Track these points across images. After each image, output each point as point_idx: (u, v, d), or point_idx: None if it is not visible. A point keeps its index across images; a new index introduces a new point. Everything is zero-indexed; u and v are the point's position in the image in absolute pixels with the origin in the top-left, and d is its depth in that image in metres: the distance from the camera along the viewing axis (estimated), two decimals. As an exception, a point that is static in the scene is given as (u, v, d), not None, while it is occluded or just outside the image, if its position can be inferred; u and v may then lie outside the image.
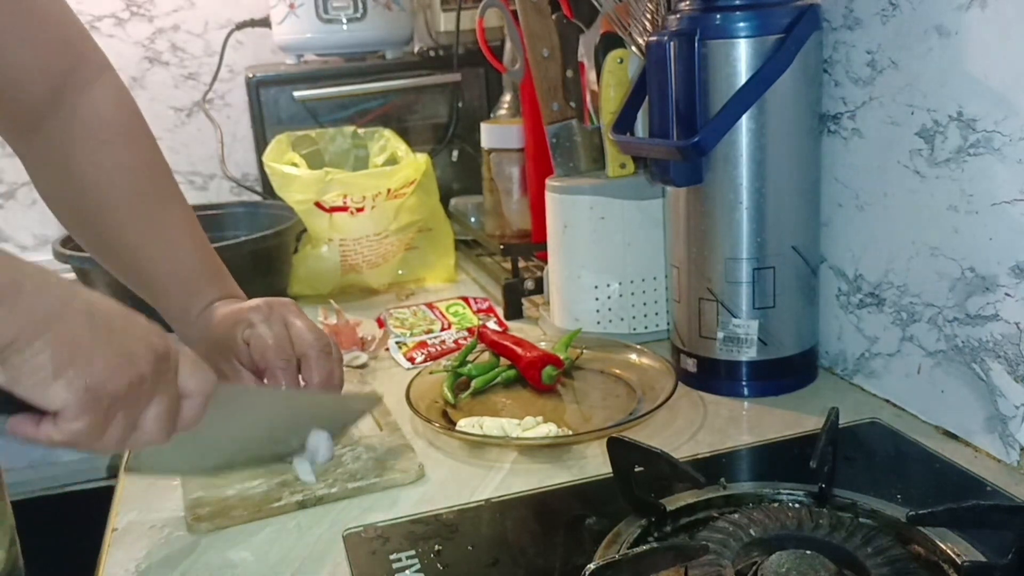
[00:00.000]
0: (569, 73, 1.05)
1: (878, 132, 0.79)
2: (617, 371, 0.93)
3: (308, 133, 1.36)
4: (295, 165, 1.22)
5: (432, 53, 1.59)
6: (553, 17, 1.04)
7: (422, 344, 1.04)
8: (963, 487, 0.68)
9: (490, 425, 0.79)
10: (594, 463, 0.75)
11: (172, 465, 0.70)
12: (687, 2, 0.83)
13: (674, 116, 0.82)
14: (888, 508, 0.61)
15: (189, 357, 0.58)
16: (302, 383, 0.76)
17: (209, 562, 0.65)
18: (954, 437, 0.76)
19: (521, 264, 1.19)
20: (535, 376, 0.89)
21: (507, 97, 1.33)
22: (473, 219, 1.45)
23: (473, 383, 0.90)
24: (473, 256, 1.39)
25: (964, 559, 0.55)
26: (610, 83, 0.97)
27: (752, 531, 0.58)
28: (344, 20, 1.52)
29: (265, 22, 1.63)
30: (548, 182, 1.02)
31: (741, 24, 0.79)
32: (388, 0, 1.54)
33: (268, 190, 1.32)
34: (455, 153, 1.60)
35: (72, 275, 1.13)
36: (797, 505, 0.63)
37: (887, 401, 0.83)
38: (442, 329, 1.09)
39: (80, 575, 0.79)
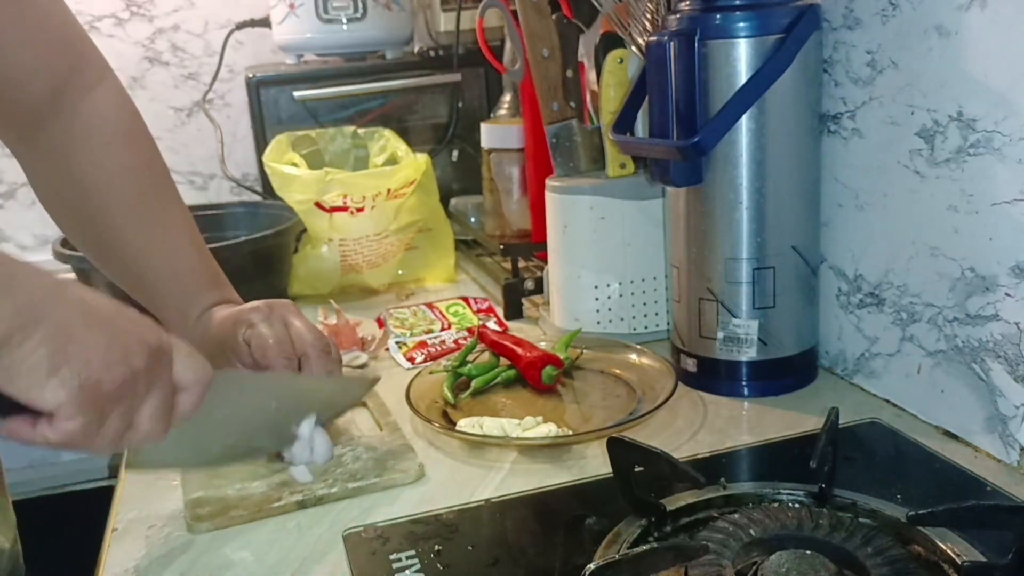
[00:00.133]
0: (569, 73, 1.05)
1: (878, 132, 0.79)
2: (617, 371, 0.93)
3: (308, 133, 1.36)
4: (295, 165, 1.22)
5: (432, 53, 1.59)
6: (553, 17, 1.04)
7: (422, 344, 1.04)
8: (963, 487, 0.68)
9: (490, 425, 0.79)
10: (594, 463, 0.75)
11: (173, 458, 0.70)
12: (687, 2, 0.83)
13: (674, 116, 0.82)
14: (888, 508, 0.61)
15: (183, 348, 0.57)
16: None
17: (209, 562, 0.66)
18: (954, 437, 0.76)
19: (521, 264, 1.19)
20: (535, 376, 0.89)
21: (507, 97, 1.33)
22: (473, 219, 1.45)
23: (473, 383, 0.90)
24: (473, 256, 1.39)
25: (964, 559, 0.55)
26: (610, 83, 0.97)
27: (752, 531, 0.58)
28: (344, 20, 1.52)
29: (265, 22, 1.63)
30: (548, 182, 1.02)
31: (741, 24, 0.79)
32: (388, 0, 1.54)
33: (268, 190, 1.32)
34: (455, 153, 1.60)
35: (72, 275, 1.13)
36: (797, 505, 0.63)
37: (887, 401, 0.83)
38: (442, 329, 1.09)
39: (81, 575, 0.79)
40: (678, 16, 0.83)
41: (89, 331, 0.50)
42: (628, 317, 1.00)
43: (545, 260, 1.08)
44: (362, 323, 1.10)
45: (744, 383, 0.87)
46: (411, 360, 1.01)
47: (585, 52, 1.09)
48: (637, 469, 0.63)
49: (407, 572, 0.61)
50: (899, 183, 0.78)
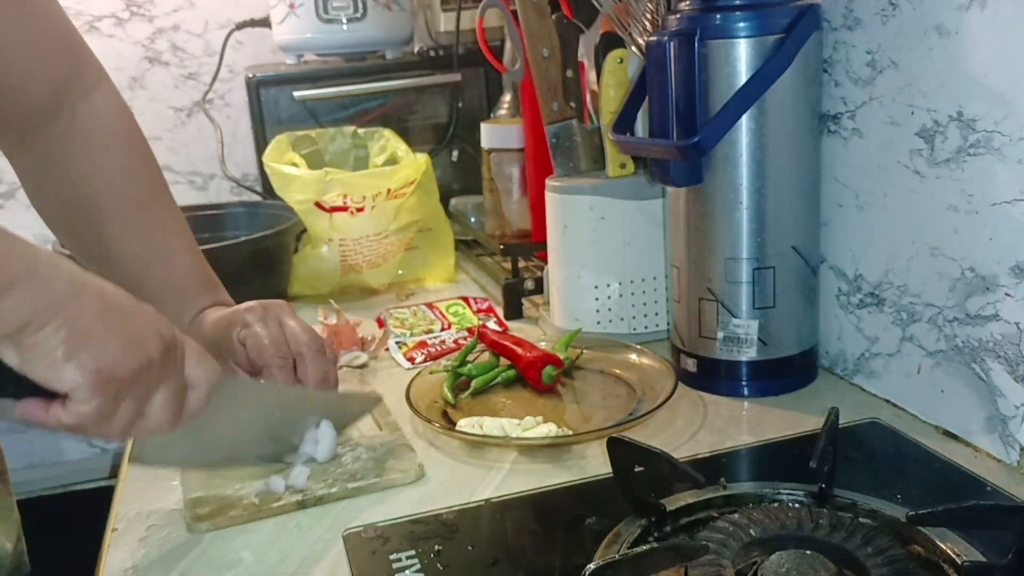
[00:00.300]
0: (569, 73, 1.05)
1: (878, 132, 0.79)
2: (617, 371, 0.93)
3: (308, 133, 1.36)
4: (295, 165, 1.22)
5: (432, 53, 1.59)
6: (553, 17, 1.04)
7: (422, 344, 1.04)
8: (963, 487, 0.68)
9: (490, 425, 0.79)
10: (594, 463, 0.75)
11: (176, 457, 0.70)
12: (687, 2, 0.83)
13: (674, 116, 0.82)
14: (888, 508, 0.61)
15: (195, 348, 0.59)
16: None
17: (209, 562, 0.65)
18: (954, 437, 0.76)
19: (521, 264, 1.19)
20: (535, 376, 0.89)
21: (507, 97, 1.33)
22: (473, 219, 1.45)
23: (473, 383, 0.90)
24: (473, 256, 1.39)
25: (964, 559, 0.55)
26: (610, 83, 0.97)
27: (752, 531, 0.58)
28: (344, 20, 1.52)
29: (265, 22, 1.63)
30: (548, 182, 1.02)
31: (741, 24, 0.79)
32: (388, 0, 1.54)
33: (268, 190, 1.32)
34: (455, 153, 1.60)
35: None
36: (797, 505, 0.63)
37: (887, 401, 0.83)
38: (442, 329, 1.09)
39: (82, 574, 0.80)
40: (678, 16, 0.83)
41: (107, 318, 0.51)
42: (628, 317, 1.00)
43: (545, 260, 1.08)
44: (362, 323, 1.10)
45: (744, 383, 0.87)
46: (411, 360, 1.01)
47: (585, 52, 1.09)
48: (637, 469, 0.63)
49: (407, 572, 0.61)
50: (899, 183, 0.78)
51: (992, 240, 0.70)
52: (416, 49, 1.62)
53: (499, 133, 1.27)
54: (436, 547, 0.63)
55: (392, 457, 0.77)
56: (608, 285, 0.99)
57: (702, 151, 0.81)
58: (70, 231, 0.81)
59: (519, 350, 0.92)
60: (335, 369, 0.79)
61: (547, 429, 0.79)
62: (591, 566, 0.52)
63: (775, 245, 0.83)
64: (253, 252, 1.19)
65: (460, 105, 1.59)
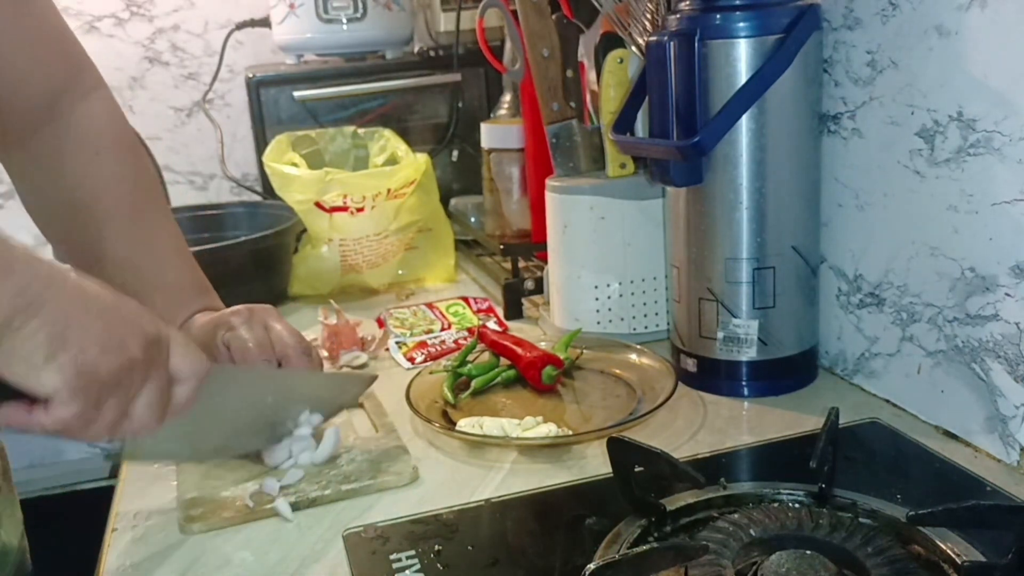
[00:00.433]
0: (569, 73, 1.05)
1: (878, 132, 0.79)
2: (617, 371, 0.93)
3: (308, 133, 1.36)
4: (295, 165, 1.22)
5: (432, 53, 1.59)
6: (553, 17, 1.04)
7: (422, 344, 1.04)
8: (963, 487, 0.68)
9: (490, 425, 0.79)
10: (594, 463, 0.75)
11: (169, 451, 0.70)
12: (687, 2, 0.83)
13: (674, 116, 0.82)
14: (888, 508, 0.61)
15: (181, 340, 0.58)
16: None
17: (208, 562, 0.65)
18: (954, 437, 0.76)
19: (521, 264, 1.19)
20: (535, 376, 0.89)
21: (507, 97, 1.33)
22: (473, 219, 1.45)
23: (473, 383, 0.90)
24: (473, 256, 1.39)
25: (964, 559, 0.55)
26: (610, 83, 0.97)
27: (752, 531, 0.58)
28: (344, 20, 1.52)
29: (265, 22, 1.63)
30: (548, 182, 1.02)
31: (741, 24, 0.79)
32: (388, 0, 1.54)
33: (268, 190, 1.32)
34: (455, 153, 1.60)
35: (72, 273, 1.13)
36: (797, 505, 0.63)
37: (887, 401, 0.83)
38: (442, 329, 1.09)
39: (83, 574, 0.80)
40: (678, 16, 0.83)
41: (87, 318, 0.50)
42: (628, 317, 1.00)
43: (545, 260, 1.08)
44: (362, 323, 1.10)
45: (744, 383, 0.86)
46: (411, 360, 1.01)
47: (585, 52, 1.09)
48: (637, 469, 0.63)
49: (407, 572, 0.61)
50: (899, 183, 0.78)
51: (992, 240, 0.70)
52: (416, 49, 1.62)
53: (499, 133, 1.27)
54: (436, 547, 0.63)
55: (387, 459, 0.77)
56: (608, 285, 0.99)
57: (702, 151, 0.81)
58: (62, 234, 0.81)
59: (519, 350, 0.92)
60: (321, 371, 0.80)
61: (547, 429, 0.79)
62: (591, 566, 0.52)
63: (775, 245, 0.83)
64: (253, 252, 1.19)
65: (460, 105, 1.59)
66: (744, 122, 0.80)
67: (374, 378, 0.84)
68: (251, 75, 1.53)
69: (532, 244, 1.19)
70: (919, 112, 0.74)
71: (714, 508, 0.64)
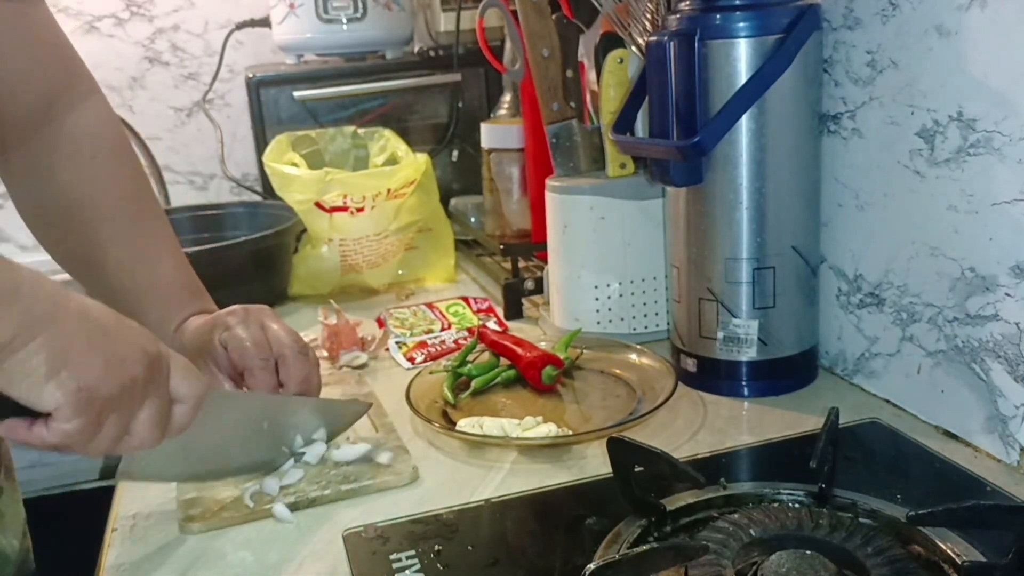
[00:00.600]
0: (569, 73, 1.05)
1: (878, 132, 0.79)
2: (617, 371, 0.93)
3: (308, 133, 1.36)
4: (295, 165, 1.22)
5: (432, 53, 1.59)
6: (553, 17, 1.04)
7: (422, 344, 1.04)
8: (963, 487, 0.68)
9: (490, 425, 0.79)
10: (594, 463, 0.75)
11: (163, 471, 0.71)
12: (687, 2, 0.83)
13: (674, 116, 0.82)
14: (888, 508, 0.61)
15: (180, 362, 0.59)
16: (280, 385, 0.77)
17: (208, 562, 0.65)
18: (954, 437, 0.76)
19: (521, 264, 1.19)
20: (535, 376, 0.89)
21: (507, 97, 1.33)
22: (473, 219, 1.45)
23: (473, 383, 0.90)
24: (473, 256, 1.39)
25: (964, 559, 0.55)
26: (610, 83, 0.97)
27: (752, 531, 0.58)
28: (344, 20, 1.52)
29: (265, 22, 1.63)
30: (548, 182, 1.02)
31: (741, 24, 0.79)
32: (388, 0, 1.54)
33: (268, 190, 1.32)
34: (455, 153, 1.60)
35: (69, 276, 1.13)
36: (797, 505, 0.63)
37: (887, 401, 0.83)
38: (442, 329, 1.09)
39: (84, 573, 0.80)
40: (678, 16, 0.83)
41: (89, 338, 0.51)
42: (628, 317, 1.00)
43: (545, 260, 1.08)
44: (362, 323, 1.10)
45: (744, 383, 0.86)
46: (411, 360, 1.01)
47: (585, 52, 1.09)
48: (637, 469, 0.63)
49: (407, 572, 0.61)
50: (899, 183, 0.78)
51: (992, 240, 0.70)
52: (416, 49, 1.63)
53: (499, 133, 1.27)
54: (436, 547, 0.63)
55: (386, 459, 0.77)
56: (608, 285, 0.99)
57: (702, 151, 0.81)
58: (55, 239, 0.82)
59: (519, 350, 0.92)
60: (317, 372, 0.80)
61: (547, 429, 0.79)
62: (591, 566, 0.52)
63: (775, 245, 0.83)
64: (253, 252, 1.19)
65: (460, 105, 1.59)
66: (744, 122, 0.80)
67: (369, 405, 0.85)
68: (251, 75, 1.53)
69: (532, 244, 1.19)
70: (919, 112, 0.74)
71: (714, 508, 0.64)
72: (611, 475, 0.64)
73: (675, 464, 0.62)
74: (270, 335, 0.77)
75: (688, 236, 0.86)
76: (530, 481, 0.73)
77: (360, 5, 1.52)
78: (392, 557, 0.62)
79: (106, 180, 0.79)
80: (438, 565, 0.61)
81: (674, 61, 0.81)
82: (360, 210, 1.20)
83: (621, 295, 0.99)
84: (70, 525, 1.15)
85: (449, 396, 0.88)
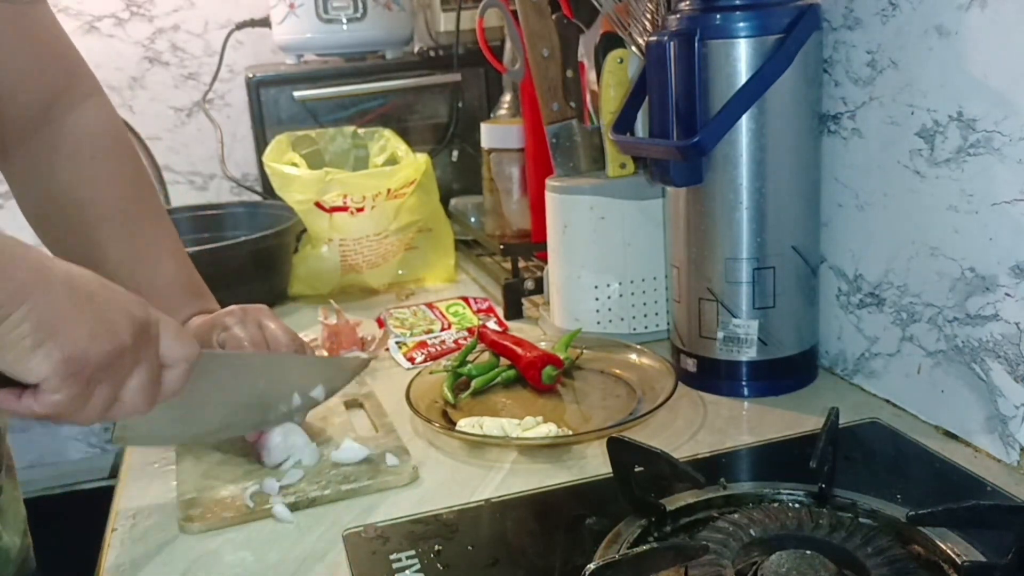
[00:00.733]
0: (569, 73, 1.05)
1: (878, 132, 0.79)
2: (617, 371, 0.93)
3: (308, 133, 1.36)
4: (295, 165, 1.22)
5: (432, 53, 1.59)
6: (553, 17, 1.04)
7: (422, 344, 1.04)
8: (963, 487, 0.68)
9: (490, 425, 0.79)
10: (594, 463, 0.75)
11: (160, 435, 0.70)
12: (687, 2, 0.83)
13: (674, 116, 0.82)
14: (888, 508, 0.61)
15: (171, 326, 0.58)
16: None
17: (208, 562, 0.65)
18: (954, 437, 0.76)
19: (521, 264, 1.19)
20: (535, 376, 0.89)
21: (507, 97, 1.33)
22: (473, 219, 1.45)
23: (473, 383, 0.90)
24: (473, 256, 1.39)
25: (964, 559, 0.55)
26: (610, 83, 0.97)
27: (752, 531, 0.58)
28: (344, 20, 1.52)
29: (265, 22, 1.63)
30: (548, 182, 1.02)
31: (741, 24, 0.79)
32: (388, 0, 1.54)
33: (268, 190, 1.32)
34: (455, 153, 1.60)
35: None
36: (797, 505, 0.63)
37: (887, 401, 0.83)
38: (442, 329, 1.09)
39: (84, 573, 0.80)
40: (678, 16, 0.83)
41: (75, 306, 0.51)
42: (628, 317, 1.00)
43: (545, 260, 1.08)
44: (362, 323, 1.10)
45: (744, 383, 0.86)
46: (411, 360, 1.01)
47: (585, 52, 1.09)
48: (637, 469, 0.63)
49: (407, 572, 0.61)
50: (899, 183, 0.78)
51: (992, 240, 0.70)
52: (416, 49, 1.62)
53: (499, 133, 1.27)
54: (436, 547, 0.63)
55: (387, 459, 0.77)
56: (608, 285, 0.99)
57: (702, 151, 0.81)
58: (56, 238, 0.82)
59: (519, 350, 0.92)
60: None
61: (547, 429, 0.79)
62: (591, 566, 0.52)
63: (775, 245, 0.83)
64: (253, 252, 1.19)
65: (460, 105, 1.59)
66: (744, 122, 0.80)
67: (367, 362, 0.85)
68: (251, 75, 1.53)
69: (532, 244, 1.19)
70: (919, 112, 0.74)
71: (714, 508, 0.64)
72: (611, 475, 0.64)
73: (675, 464, 0.62)
74: (268, 334, 0.77)
75: (688, 236, 0.86)
76: (530, 481, 0.73)
77: (360, 5, 1.52)
78: (392, 557, 0.62)
79: (106, 180, 0.79)
80: (438, 565, 0.61)
81: (674, 61, 0.81)
82: (360, 210, 1.20)
83: (621, 295, 0.99)
84: (70, 525, 1.15)
85: (449, 396, 0.88)
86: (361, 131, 1.38)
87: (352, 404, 0.89)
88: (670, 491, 0.65)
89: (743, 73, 0.80)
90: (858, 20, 0.80)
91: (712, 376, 0.88)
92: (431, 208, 1.30)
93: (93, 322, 0.51)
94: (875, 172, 0.80)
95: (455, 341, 1.05)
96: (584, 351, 0.96)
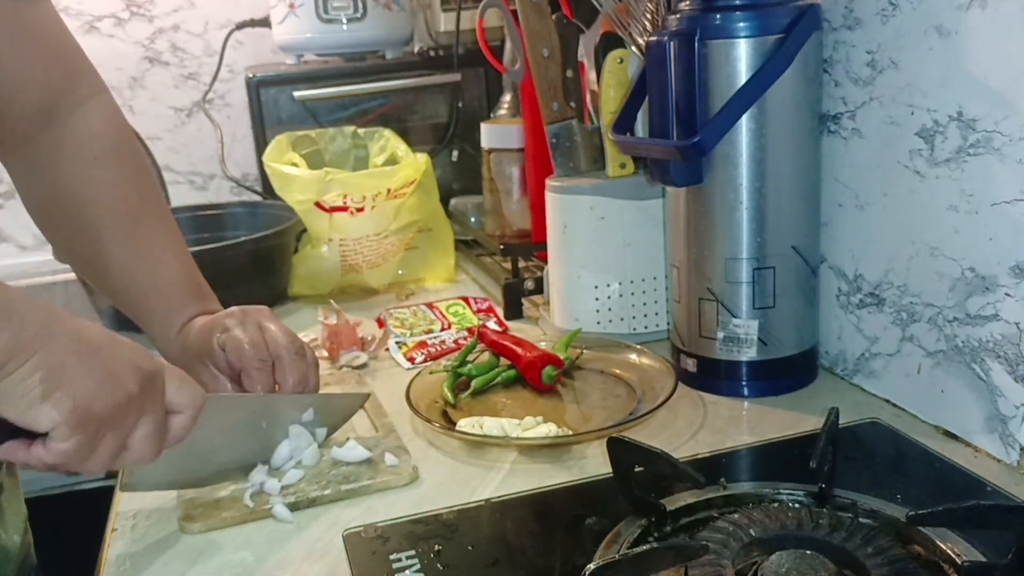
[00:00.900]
0: (569, 73, 1.05)
1: (878, 132, 0.79)
2: (617, 371, 0.93)
3: (308, 133, 1.36)
4: (295, 165, 1.22)
5: (432, 53, 1.59)
6: (553, 17, 1.04)
7: (422, 344, 1.04)
8: (963, 487, 0.68)
9: (490, 425, 0.79)
10: (594, 463, 0.75)
11: (166, 479, 0.71)
12: (687, 2, 0.83)
13: (674, 116, 0.82)
14: (888, 508, 0.61)
15: (176, 374, 0.60)
16: (277, 385, 0.77)
17: (208, 562, 0.66)
18: (954, 437, 0.76)
19: (521, 264, 1.19)
20: (535, 376, 0.89)
21: (507, 97, 1.33)
22: (473, 219, 1.45)
23: (473, 383, 0.90)
24: (473, 256, 1.39)
25: (964, 559, 0.55)
26: (610, 83, 0.97)
27: (752, 531, 0.58)
28: (344, 20, 1.52)
29: (265, 22, 1.63)
30: (548, 182, 1.02)
31: (741, 24, 0.79)
32: (388, 0, 1.54)
33: (268, 190, 1.32)
34: (455, 153, 1.60)
35: (72, 275, 1.13)
36: (797, 505, 0.63)
37: (887, 401, 0.83)
38: (442, 329, 1.09)
39: (83, 574, 0.80)
40: (678, 16, 0.83)
41: (82, 357, 0.52)
42: (628, 317, 1.00)
43: (545, 260, 1.08)
44: (362, 323, 1.10)
45: (744, 383, 0.87)
46: (411, 360, 1.01)
47: (585, 52, 1.09)
48: (637, 469, 0.63)
49: (407, 572, 0.61)
50: (899, 183, 0.78)
51: (992, 240, 0.70)
52: (416, 49, 1.63)
53: (499, 133, 1.27)
54: (436, 547, 0.63)
55: (386, 459, 0.77)
56: (608, 285, 0.99)
57: (702, 151, 0.81)
58: (61, 237, 0.82)
59: (519, 350, 0.92)
60: (315, 372, 0.80)
61: (547, 429, 0.79)
62: (591, 566, 0.52)
63: (775, 245, 0.83)
64: (253, 252, 1.19)
65: (460, 105, 1.59)
66: (744, 122, 0.80)
67: (367, 396, 0.85)
68: (251, 75, 1.53)
69: (532, 244, 1.19)
70: (919, 112, 0.74)
71: (714, 508, 0.64)
72: (611, 475, 0.64)
73: (675, 464, 0.62)
74: (267, 336, 0.77)
75: (688, 236, 0.86)
76: (530, 481, 0.73)
77: (360, 5, 1.52)
78: (392, 557, 0.62)
79: (109, 181, 0.79)
80: (438, 565, 0.61)
81: (674, 61, 0.81)
82: (360, 210, 1.20)
83: (621, 295, 0.99)
84: (71, 525, 1.15)
85: (449, 396, 0.88)
86: (361, 131, 1.38)
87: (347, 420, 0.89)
88: (670, 491, 0.65)
89: (743, 73, 0.80)
90: (858, 20, 0.80)
91: (712, 376, 0.88)
92: (431, 208, 1.30)
93: (100, 373, 0.53)
94: (875, 172, 0.80)
95: (455, 341, 1.05)
96: (584, 351, 0.96)
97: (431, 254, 1.32)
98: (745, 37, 0.79)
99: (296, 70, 1.56)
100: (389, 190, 1.20)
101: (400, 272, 1.30)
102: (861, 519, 0.61)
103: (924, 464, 0.72)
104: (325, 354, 1.03)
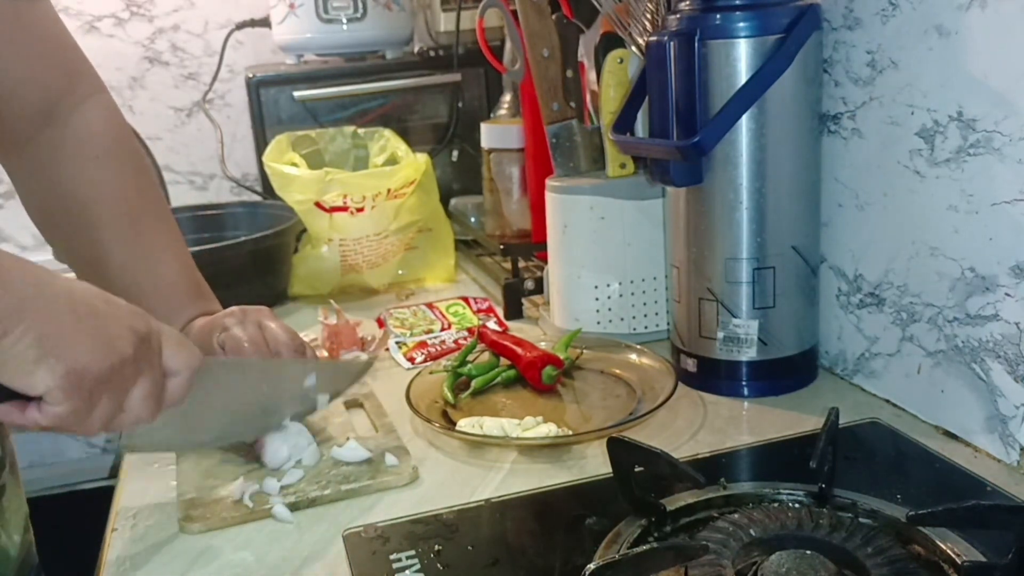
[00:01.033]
0: (569, 73, 1.05)
1: (878, 132, 0.79)
2: (617, 371, 0.93)
3: (308, 133, 1.36)
4: (295, 165, 1.22)
5: (432, 53, 1.59)
6: (553, 17, 1.04)
7: (422, 344, 1.04)
8: (963, 487, 0.68)
9: (490, 425, 0.79)
10: (594, 463, 0.75)
11: (166, 441, 0.71)
12: (687, 2, 0.83)
13: (674, 116, 0.82)
14: (888, 508, 0.61)
15: (172, 336, 0.59)
16: None
17: (208, 562, 0.66)
18: (954, 437, 0.76)
19: (521, 264, 1.19)
20: (535, 376, 0.89)
21: (507, 97, 1.33)
22: (473, 219, 1.45)
23: (473, 383, 0.90)
24: (473, 256, 1.39)
25: (964, 559, 0.55)
26: (610, 83, 0.97)
27: (752, 531, 0.58)
28: (344, 20, 1.52)
29: (265, 22, 1.63)
30: (548, 182, 1.02)
31: (741, 24, 0.79)
32: (388, 0, 1.54)
33: (268, 190, 1.32)
34: (455, 153, 1.60)
35: (72, 275, 1.13)
36: (797, 505, 0.63)
37: (887, 401, 0.83)
38: (442, 329, 1.09)
39: (83, 574, 0.80)
40: (678, 16, 0.83)
41: (76, 320, 0.52)
42: (628, 317, 1.00)
43: (545, 260, 1.08)
44: (362, 323, 1.10)
45: (744, 383, 0.87)
46: (411, 360, 1.01)
47: (585, 52, 1.09)
48: (637, 469, 0.63)
49: (407, 572, 0.61)
50: (899, 183, 0.78)
51: (992, 240, 0.70)
52: (416, 49, 1.63)
53: (499, 133, 1.27)
54: (436, 547, 0.63)
55: (386, 459, 0.77)
56: (608, 285, 0.99)
57: (702, 151, 0.81)
58: (60, 237, 0.82)
59: (519, 350, 0.92)
60: None
61: (547, 429, 0.79)
62: (591, 566, 0.52)
63: (775, 245, 0.83)
64: (253, 252, 1.19)
65: (460, 105, 1.59)
66: (744, 122, 0.80)
67: (370, 364, 0.85)
68: (251, 75, 1.53)
69: (532, 244, 1.19)
70: (919, 112, 0.74)
71: (714, 508, 0.64)
72: (611, 475, 0.64)
73: (675, 464, 0.62)
74: (267, 334, 0.78)
75: (688, 236, 0.86)
76: (530, 481, 0.73)
77: (360, 5, 1.52)
78: (392, 557, 0.62)
79: (108, 181, 0.79)
80: (438, 565, 0.61)
81: (674, 61, 0.81)
82: (360, 210, 1.20)
83: (621, 295, 0.99)
84: (71, 525, 1.15)
85: (449, 396, 0.88)
86: (361, 131, 1.38)
87: (352, 404, 0.89)
88: (670, 491, 0.65)
89: (743, 73, 0.80)
90: (858, 20, 0.80)
91: (712, 376, 0.88)
92: (431, 208, 1.30)
93: (95, 335, 0.52)
94: (875, 172, 0.80)
95: (455, 341, 1.05)
96: (584, 351, 0.96)
97: (431, 254, 1.32)
98: (745, 37, 0.79)
99: (296, 70, 1.56)
100: (389, 190, 1.20)
101: (400, 272, 1.30)
102: (861, 519, 0.61)
103: (924, 464, 0.72)
104: (325, 354, 1.03)
